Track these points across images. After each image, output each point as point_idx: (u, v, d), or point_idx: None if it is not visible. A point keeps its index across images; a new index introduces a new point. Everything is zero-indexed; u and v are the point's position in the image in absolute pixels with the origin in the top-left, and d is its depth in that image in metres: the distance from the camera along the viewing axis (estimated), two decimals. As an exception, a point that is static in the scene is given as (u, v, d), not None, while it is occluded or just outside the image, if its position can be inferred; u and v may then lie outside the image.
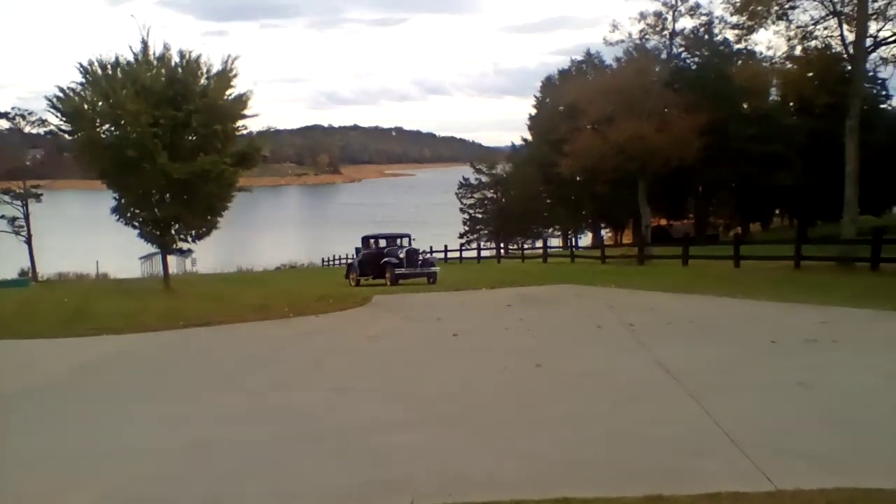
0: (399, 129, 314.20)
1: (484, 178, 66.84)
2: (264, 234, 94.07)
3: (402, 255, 23.10)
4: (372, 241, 25.68)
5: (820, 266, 17.93)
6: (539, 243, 56.20)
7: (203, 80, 18.68)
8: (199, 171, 17.59)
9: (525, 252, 47.18)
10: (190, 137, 18.30)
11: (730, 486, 4.14)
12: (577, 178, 48.78)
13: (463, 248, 51.26)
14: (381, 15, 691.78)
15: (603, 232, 64.81)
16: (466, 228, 66.78)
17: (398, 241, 25.34)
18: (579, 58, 61.76)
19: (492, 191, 66.56)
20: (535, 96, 67.34)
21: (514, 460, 4.92)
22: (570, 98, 44.86)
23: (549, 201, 61.54)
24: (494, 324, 11.78)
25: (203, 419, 6.54)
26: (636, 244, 33.94)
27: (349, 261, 28.91)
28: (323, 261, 52.84)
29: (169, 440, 5.84)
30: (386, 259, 23.32)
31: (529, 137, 66.14)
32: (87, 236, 71.57)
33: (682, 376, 7.03)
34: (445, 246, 42.93)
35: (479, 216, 67.05)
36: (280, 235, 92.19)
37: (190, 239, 19.70)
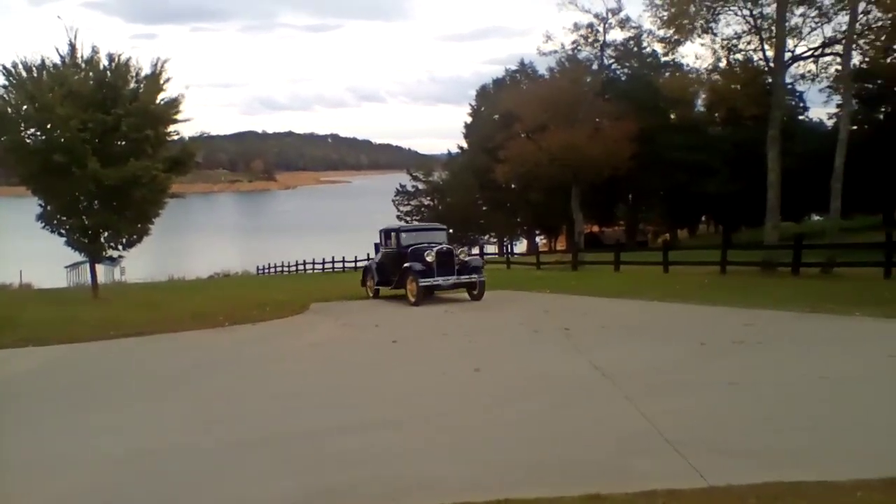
0: (335, 136, 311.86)
1: (421, 186, 66.99)
2: (197, 241, 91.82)
3: (430, 259, 15.61)
4: (393, 235, 17.46)
5: (744, 270, 18.64)
6: (475, 250, 56.63)
7: (133, 84, 18.19)
8: (130, 177, 17.10)
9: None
10: (120, 142, 17.78)
11: (665, 484, 4.26)
12: (513, 186, 49.49)
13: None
14: (314, 21, 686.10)
15: (538, 238, 65.74)
16: (404, 235, 66.75)
17: (428, 234, 17.92)
18: (514, 67, 62.70)
19: (429, 198, 66.72)
20: (471, 104, 67.97)
21: (456, 463, 4.99)
22: (505, 107, 45.53)
23: (485, 208, 62.10)
24: (433, 329, 11.87)
25: (145, 428, 6.42)
26: (570, 250, 34.55)
27: (368, 262, 20.90)
28: (258, 269, 52.00)
29: (112, 450, 5.72)
30: (408, 265, 15.77)
31: (465, 145, 66.65)
32: (7, 245, 68.66)
33: (618, 378, 7.24)
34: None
35: (417, 223, 67.15)
36: (213, 243, 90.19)
37: (120, 247, 19.11)
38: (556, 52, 41.73)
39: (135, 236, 19.00)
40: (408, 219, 66.63)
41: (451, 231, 65.29)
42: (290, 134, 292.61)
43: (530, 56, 71.56)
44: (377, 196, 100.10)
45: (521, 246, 66.03)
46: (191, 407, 7.18)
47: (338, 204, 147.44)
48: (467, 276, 15.95)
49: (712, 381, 6.98)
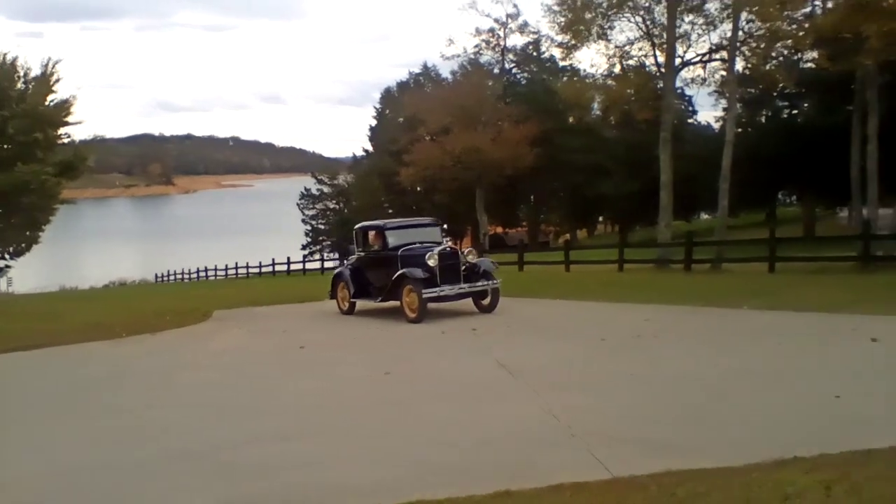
0: (236, 139, 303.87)
1: (326, 189, 66.28)
2: (91, 250, 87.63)
3: (432, 262, 12.49)
4: (376, 234, 14.19)
5: (640, 268, 19.43)
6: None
7: (20, 85, 17.31)
8: (18, 182, 16.25)
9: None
10: (6, 146, 16.88)
11: (572, 477, 4.38)
12: (418, 188, 49.68)
13: (306, 259, 50.51)
14: (212, 20, 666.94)
15: (444, 240, 66.22)
16: (309, 239, 65.88)
17: (419, 232, 14.25)
18: (417, 70, 62.97)
19: (334, 201, 66.12)
20: (375, 107, 67.78)
21: (368, 467, 5.01)
22: (409, 110, 45.71)
23: (391, 211, 62.06)
24: (341, 334, 11.83)
25: (45, 447, 6.12)
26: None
27: (339, 268, 16.24)
28: (157, 277, 50.15)
29: (34, 467, 5.50)
30: (405, 271, 12.55)
31: (371, 148, 66.44)
32: None
33: (524, 375, 7.42)
34: (288, 258, 42.12)
35: (322, 227, 66.38)
36: (109, 251, 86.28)
37: (7, 256, 18.12)
38: (458, 55, 42.34)
39: (23, 245, 18.08)
40: (313, 223, 65.77)
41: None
42: (189, 137, 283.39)
43: (434, 60, 72.41)
44: (281, 200, 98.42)
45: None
46: (90, 423, 6.88)
47: (240, 208, 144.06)
48: (479, 283, 12.87)
49: (613, 375, 7.26)
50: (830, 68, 21.60)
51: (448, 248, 13.28)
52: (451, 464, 4.97)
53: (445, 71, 56.03)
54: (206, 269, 45.21)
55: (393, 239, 13.62)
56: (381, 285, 13.41)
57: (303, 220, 66.61)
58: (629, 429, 5.43)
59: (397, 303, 12.90)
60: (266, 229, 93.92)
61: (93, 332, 12.87)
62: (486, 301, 13.15)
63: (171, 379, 8.95)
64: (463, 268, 12.90)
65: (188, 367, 9.77)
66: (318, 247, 64.57)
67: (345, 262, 15.64)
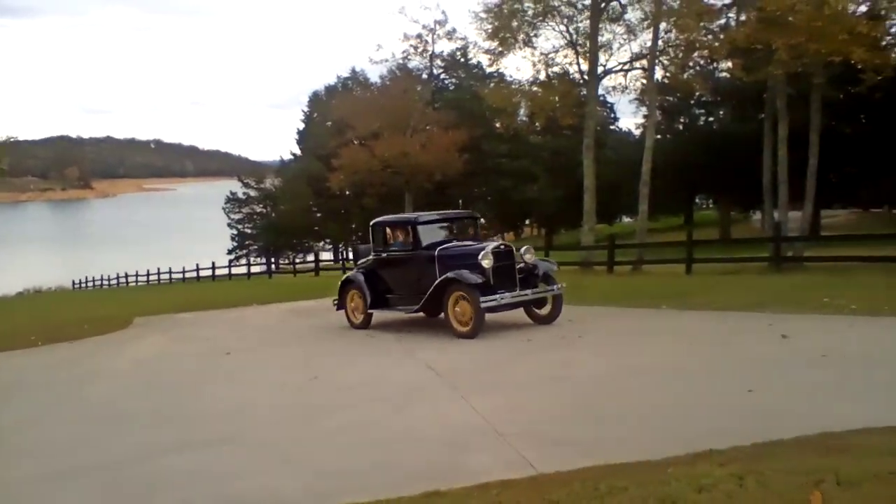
0: (158, 142, 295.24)
1: (252, 193, 65.13)
2: (2, 256, 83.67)
3: (487, 263, 10.27)
4: (399, 230, 12.08)
5: (565, 270, 19.67)
6: (311, 257, 55.93)
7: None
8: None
9: (297, 266, 46.69)
10: None
11: (499, 476, 4.46)
12: (347, 193, 49.36)
13: (232, 264, 49.53)
14: (135, 18, 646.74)
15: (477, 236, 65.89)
16: (235, 244, 64.59)
17: (453, 228, 12.17)
18: (346, 75, 62.61)
19: (261, 205, 65.03)
20: (304, 111, 67.13)
21: (295, 475, 4.98)
22: (337, 114, 45.37)
23: (319, 215, 61.48)
24: (268, 340, 11.69)
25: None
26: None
27: (350, 272, 13.33)
28: (74, 283, 48.29)
29: None
30: (454, 275, 10.27)
31: (299, 152, 65.69)
32: None
33: (451, 377, 7.52)
34: (213, 263, 41.25)
35: (249, 231, 65.18)
36: (22, 257, 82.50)
37: None
38: (387, 60, 42.36)
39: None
40: (239, 227, 64.47)
41: (282, 240, 63.51)
42: (108, 139, 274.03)
43: (363, 64, 72.12)
44: (205, 204, 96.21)
45: (356, 252, 65.92)
46: (3, 436, 6.63)
47: (162, 212, 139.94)
48: (540, 289, 10.79)
49: (539, 375, 7.42)
50: (744, 78, 22.56)
51: (502, 247, 11.00)
52: (379, 466, 4.99)
53: (374, 76, 56.00)
54: (126, 275, 43.86)
55: (426, 235, 11.35)
56: (409, 292, 11.24)
57: (228, 225, 65.30)
58: (554, 427, 5.56)
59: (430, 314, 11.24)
60: (190, 234, 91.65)
61: (5, 342, 12.35)
62: (545, 310, 10.99)
63: (80, 390, 8.67)
64: (522, 270, 10.85)
65: (101, 377, 9.49)
66: (244, 252, 63.46)
67: (357, 264, 12.83)
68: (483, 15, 26.27)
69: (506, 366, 8.15)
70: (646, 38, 24.61)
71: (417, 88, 42.09)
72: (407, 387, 7.41)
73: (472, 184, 46.34)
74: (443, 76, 50.35)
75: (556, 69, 27.09)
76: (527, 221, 60.81)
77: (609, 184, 40.04)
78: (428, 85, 43.91)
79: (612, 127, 51.59)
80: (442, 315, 10.69)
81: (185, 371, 9.56)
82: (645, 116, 29.54)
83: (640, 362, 7.71)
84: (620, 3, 24.94)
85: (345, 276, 12.89)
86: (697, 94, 33.86)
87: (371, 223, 12.61)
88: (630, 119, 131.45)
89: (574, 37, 25.48)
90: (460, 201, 54.17)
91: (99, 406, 7.70)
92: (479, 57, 45.71)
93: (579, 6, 25.20)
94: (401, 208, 41.30)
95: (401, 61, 42.20)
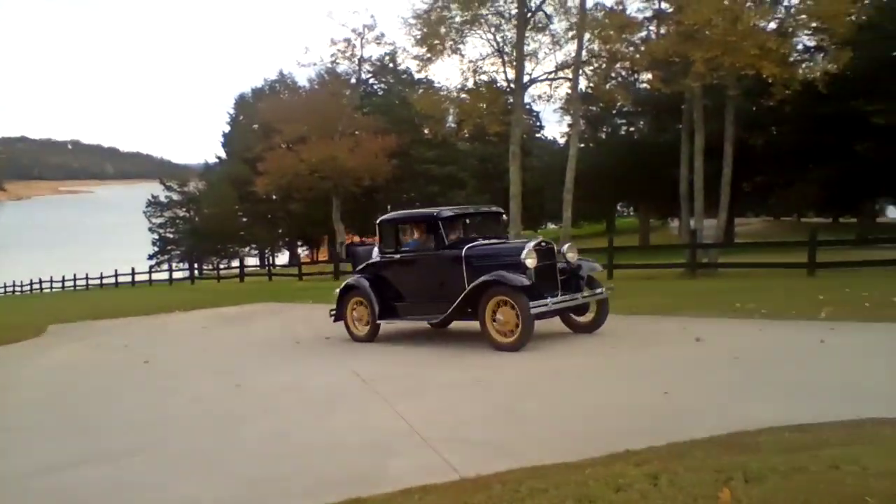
0: (76, 143, 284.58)
1: (175, 196, 63.46)
2: None
3: (531, 263, 9.02)
4: (417, 227, 10.84)
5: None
6: (235, 263, 54.84)
7: None
8: None
9: (221, 272, 45.77)
10: None
11: (421, 480, 4.47)
12: (274, 197, 48.67)
13: (153, 269, 48.16)
14: (49, 10, 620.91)
15: (300, 250, 65.22)
16: (157, 249, 62.77)
17: (478, 225, 10.85)
18: (273, 77, 61.82)
19: (184, 209, 63.42)
20: (229, 113, 65.92)
21: (214, 483, 4.88)
22: (264, 117, 44.72)
23: (245, 220, 60.40)
24: (190, 347, 11.41)
25: None
26: (332, 261, 34.79)
27: (349, 280, 11.23)
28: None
29: None
30: (496, 277, 8.92)
31: (224, 155, 64.39)
32: None
33: (377, 383, 7.49)
34: (133, 269, 40.04)
35: (171, 236, 63.45)
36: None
37: None
38: (314, 64, 42.02)
39: None
40: (161, 231, 62.64)
41: (206, 244, 62.11)
42: (22, 139, 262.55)
43: (290, 67, 71.39)
44: (125, 207, 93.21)
45: (283, 257, 65.11)
46: None
47: (80, 216, 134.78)
48: (587, 293, 9.52)
49: (463, 379, 7.47)
50: (663, 89, 23.31)
51: (543, 244, 9.55)
52: (301, 473, 4.93)
53: (302, 79, 55.40)
54: (40, 282, 42.09)
55: (449, 233, 10.03)
56: (428, 298, 9.89)
57: (150, 230, 63.50)
58: (476, 431, 5.61)
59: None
60: (108, 238, 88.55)
61: None
62: (586, 317, 9.84)
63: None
64: (565, 268, 9.65)
65: (9, 387, 9.08)
66: (166, 257, 61.79)
67: (356, 269, 11.16)
68: (412, 21, 26.41)
69: (431, 370, 8.17)
70: (570, 48, 25.22)
71: (346, 93, 41.85)
72: (331, 393, 7.36)
73: (400, 189, 46.46)
74: (371, 81, 50.28)
75: (483, 77, 27.45)
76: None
77: (534, 190, 40.89)
78: (356, 89, 43.71)
79: (537, 135, 52.56)
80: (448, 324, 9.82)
81: (100, 380, 9.24)
82: (569, 125, 30.19)
83: (561, 364, 7.86)
84: (546, 14, 25.46)
85: (345, 282, 11.11)
86: (619, 104, 34.81)
87: (378, 220, 10.96)
88: (555, 127, 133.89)
89: (501, 45, 25.88)
90: (389, 207, 54.24)
91: (5, 416, 7.36)
92: (407, 63, 45.86)
93: (506, 15, 25.61)
94: (329, 213, 41.00)
95: (329, 65, 41.88)
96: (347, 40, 40.74)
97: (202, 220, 61.48)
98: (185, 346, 11.73)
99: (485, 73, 27.32)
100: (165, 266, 54.65)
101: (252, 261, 60.62)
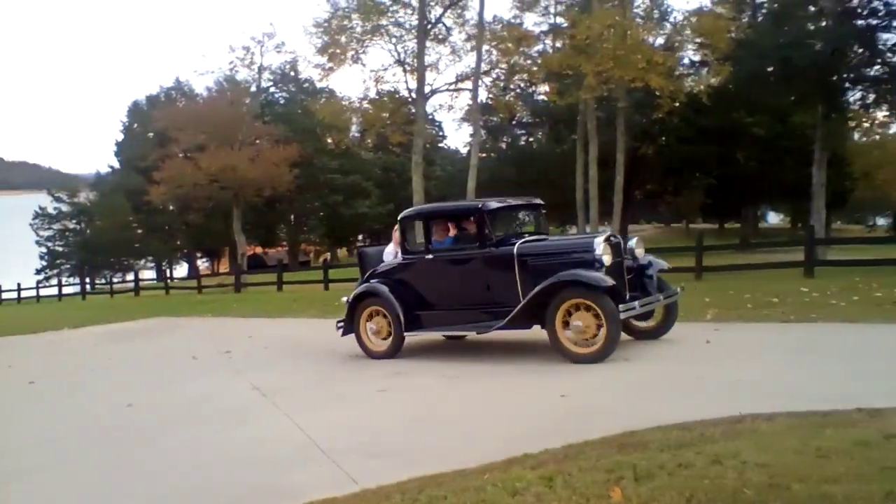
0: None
1: (65, 208, 60.33)
2: None
3: (607, 258, 7.95)
4: (450, 224, 9.34)
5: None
6: (130, 276, 52.72)
7: None
8: None
9: (115, 286, 43.87)
10: None
11: (322, 493, 4.45)
12: (170, 207, 47.10)
13: (41, 285, 45.64)
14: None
15: (200, 262, 63.31)
16: (45, 263, 59.47)
17: (522, 219, 10.32)
18: (169, 84, 59.83)
19: (74, 221, 60.39)
20: (123, 121, 63.26)
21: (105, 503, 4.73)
22: (160, 125, 43.24)
23: (140, 231, 58.11)
24: (80, 365, 10.90)
25: None
26: (233, 272, 33.98)
27: (364, 286, 9.48)
28: None
29: None
30: (573, 275, 7.68)
31: (117, 164, 61.78)
32: None
33: (278, 396, 7.39)
34: (18, 284, 37.92)
35: (61, 249, 60.28)
36: None
37: None
38: (212, 71, 40.99)
39: None
40: (49, 245, 59.44)
41: (98, 258, 59.43)
42: None
43: (187, 74, 69.45)
44: (9, 219, 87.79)
45: (181, 270, 63.02)
46: None
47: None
48: (667, 294, 8.51)
49: (366, 389, 7.46)
50: (558, 101, 24.06)
51: (612, 236, 8.53)
52: (199, 492, 4.83)
53: (200, 86, 53.91)
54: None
55: (496, 228, 8.73)
56: (470, 305, 8.63)
57: (37, 243, 60.14)
58: (377, 441, 5.62)
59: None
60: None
61: None
62: (651, 322, 8.68)
63: None
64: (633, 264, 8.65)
65: None
66: (55, 271, 58.67)
67: (369, 273, 9.64)
68: (312, 30, 26.25)
69: (333, 381, 8.11)
70: (470, 60, 25.67)
71: (245, 101, 40.99)
72: (230, 408, 7.20)
73: (303, 199, 45.83)
74: (273, 89, 49.46)
75: (385, 87, 27.55)
76: (359, 237, 60.96)
77: (438, 199, 41.19)
78: (257, 98, 42.91)
79: (440, 145, 53.02)
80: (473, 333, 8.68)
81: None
82: (470, 135, 30.67)
83: (461, 371, 7.95)
84: (445, 26, 25.82)
85: (359, 289, 9.49)
86: (518, 115, 35.65)
87: (402, 216, 9.45)
88: (458, 137, 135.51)
89: (402, 56, 26.06)
90: (292, 217, 53.40)
91: None
92: (309, 71, 45.45)
93: (407, 26, 25.82)
94: (229, 223, 39.98)
95: (228, 73, 40.93)
96: (246, 48, 39.98)
97: (94, 232, 58.76)
98: (74, 364, 11.20)
99: (387, 83, 27.44)
100: (55, 281, 51.87)
101: (148, 274, 58.34)
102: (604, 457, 4.38)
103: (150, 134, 50.27)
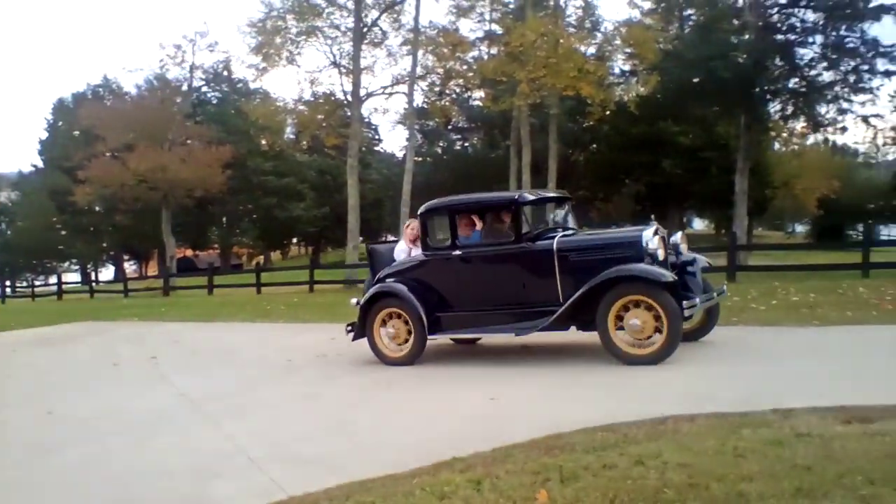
0: None
1: (-16, 208, 57.86)
2: None
3: (662, 254, 7.56)
4: (480, 218, 8.57)
5: (330, 288, 19.98)
6: (53, 279, 50.76)
7: None
8: None
9: (37, 290, 42.20)
10: None
11: (246, 503, 4.40)
12: (97, 208, 45.60)
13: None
14: None
15: (127, 264, 61.49)
16: (-40, 266, 56.83)
17: (554, 212, 9.06)
18: (97, 82, 57.90)
19: (-7, 221, 57.95)
20: (47, 119, 60.98)
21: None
22: (86, 123, 41.78)
23: (64, 233, 56.06)
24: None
25: None
26: (161, 275, 33.15)
27: (380, 286, 8.72)
28: None
29: None
30: (630, 270, 7.20)
31: (40, 163, 59.46)
32: None
33: (205, 403, 7.24)
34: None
35: (-24, 251, 57.73)
36: None
37: None
38: (142, 69, 39.92)
39: None
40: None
41: (19, 260, 57.08)
42: None
43: (116, 72, 67.26)
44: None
45: (107, 272, 61.12)
46: None
47: None
48: (716, 292, 8.10)
49: (294, 395, 7.38)
50: (492, 107, 24.34)
51: (658, 229, 7.78)
52: (119, 502, 4.70)
53: (129, 84, 52.43)
54: None
55: (531, 222, 8.28)
56: (502, 304, 8.02)
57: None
58: (305, 447, 5.56)
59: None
60: None
61: None
62: (691, 323, 7.99)
63: None
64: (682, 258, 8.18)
65: None
66: (-30, 275, 56.14)
67: (380, 273, 8.93)
68: (246, 29, 25.88)
69: (262, 387, 7.99)
70: (406, 63, 25.69)
71: (177, 100, 40.04)
72: (155, 416, 7.01)
73: (235, 201, 44.98)
74: (205, 89, 48.43)
75: (321, 89, 27.37)
76: (294, 240, 60.22)
77: (374, 203, 41.15)
78: (188, 97, 41.96)
79: (376, 148, 52.86)
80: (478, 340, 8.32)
81: None
82: (406, 139, 30.68)
83: (392, 375, 7.94)
84: (382, 30, 25.80)
85: (373, 289, 8.72)
86: (454, 120, 35.89)
87: (424, 210, 8.62)
88: (394, 141, 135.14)
89: (338, 58, 25.91)
90: (224, 219, 52.34)
91: None
92: (243, 72, 44.72)
93: (342, 28, 25.70)
94: (158, 225, 38.94)
95: (158, 71, 39.90)
96: (178, 46, 39.11)
97: (15, 233, 56.58)
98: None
99: (322, 84, 27.28)
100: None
101: (73, 277, 56.37)
102: (531, 459, 4.44)
103: (76, 132, 48.52)
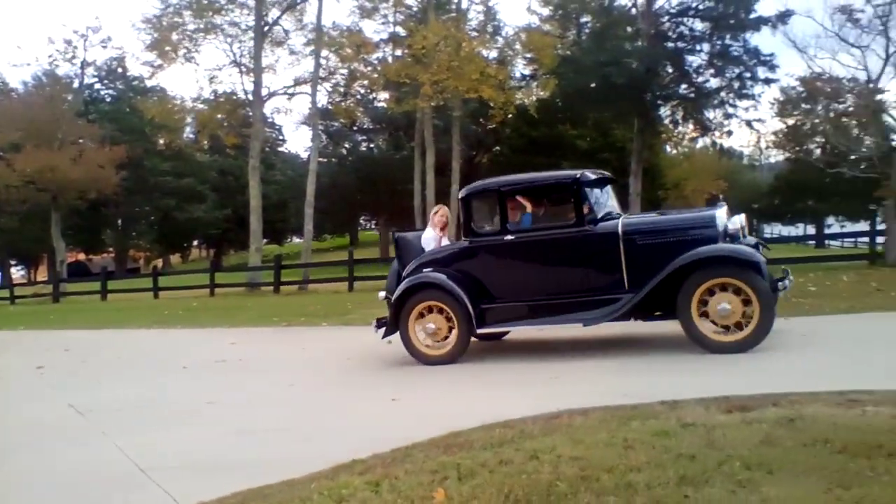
0: None
1: None
2: None
3: (737, 228, 7.20)
4: (532, 201, 7.83)
5: (232, 292, 19.55)
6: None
7: None
8: None
9: None
10: None
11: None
12: (-22, 210, 42.92)
13: None
14: None
15: (14, 269, 58.07)
16: None
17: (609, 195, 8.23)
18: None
19: None
20: (-77, 117, 56.70)
21: None
22: (-32, 122, 39.23)
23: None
24: None
25: None
26: (51, 281, 31.56)
27: (418, 276, 7.88)
28: None
29: None
30: (719, 251, 6.73)
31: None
32: None
33: (95, 415, 6.95)
34: None
35: None
36: None
37: None
38: (29, 64, 37.83)
39: None
40: None
41: None
42: None
43: (2, 67, 63.38)
44: None
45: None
46: None
47: None
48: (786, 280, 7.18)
49: (193, 404, 7.20)
50: (396, 109, 24.44)
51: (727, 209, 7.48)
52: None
53: (14, 80, 49.56)
54: None
55: (599, 204, 7.64)
56: (560, 294, 7.42)
57: None
58: (203, 456, 5.45)
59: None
60: None
61: None
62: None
63: None
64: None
65: None
66: None
67: (413, 263, 8.13)
68: (141, 25, 25.02)
69: (158, 396, 7.76)
70: (309, 64, 25.43)
71: (67, 97, 38.17)
72: (42, 430, 6.68)
73: (131, 202, 43.25)
74: (98, 86, 46.34)
75: (221, 87, 26.71)
76: (194, 242, 58.41)
77: (277, 204, 40.43)
78: (79, 95, 40.06)
79: (280, 148, 51.96)
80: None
81: None
82: (311, 139, 30.38)
83: (296, 378, 7.89)
84: (284, 29, 25.42)
85: (410, 280, 7.87)
86: (360, 121, 35.73)
87: (467, 192, 7.99)
88: (299, 141, 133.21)
89: (238, 56, 25.35)
90: (119, 222, 50.21)
91: None
92: (138, 69, 43.09)
93: (243, 26, 25.16)
94: (47, 228, 37.00)
95: (47, 67, 37.93)
96: (68, 41, 37.38)
97: None
98: None
99: (222, 83, 26.60)
100: None
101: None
102: (430, 458, 4.50)
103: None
